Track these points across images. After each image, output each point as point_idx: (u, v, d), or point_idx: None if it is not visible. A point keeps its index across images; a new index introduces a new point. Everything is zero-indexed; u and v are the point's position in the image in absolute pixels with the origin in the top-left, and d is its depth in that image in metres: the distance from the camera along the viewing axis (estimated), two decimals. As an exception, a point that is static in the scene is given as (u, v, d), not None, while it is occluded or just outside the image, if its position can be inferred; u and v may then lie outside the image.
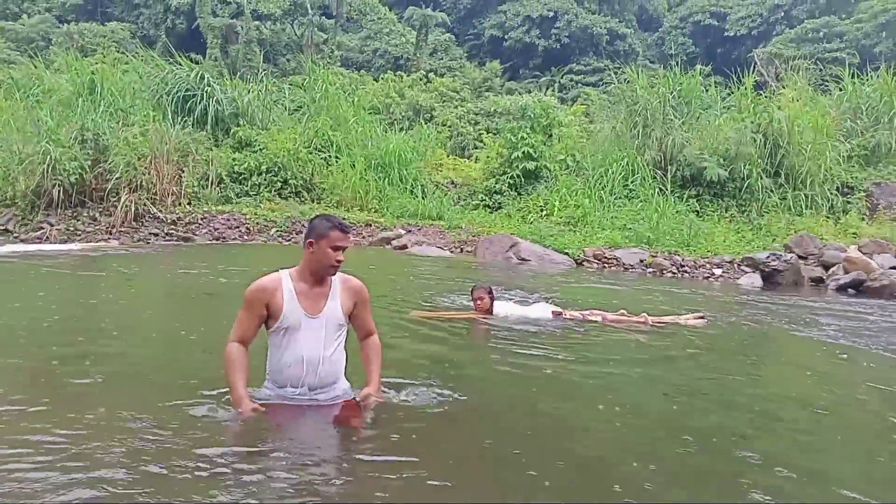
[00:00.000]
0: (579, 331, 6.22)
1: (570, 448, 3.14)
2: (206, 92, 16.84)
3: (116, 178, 13.33)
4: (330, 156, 16.34)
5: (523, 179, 16.31)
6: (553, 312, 6.49)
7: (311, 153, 16.08)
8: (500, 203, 16.33)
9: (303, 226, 14.19)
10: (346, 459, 2.81)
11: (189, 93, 16.80)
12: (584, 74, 36.23)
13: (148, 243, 12.70)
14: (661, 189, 15.63)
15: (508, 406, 3.80)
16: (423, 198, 16.31)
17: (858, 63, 22.62)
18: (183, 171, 14.68)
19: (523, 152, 16.18)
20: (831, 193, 15.78)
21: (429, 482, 2.54)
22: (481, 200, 16.63)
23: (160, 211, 13.71)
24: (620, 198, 15.77)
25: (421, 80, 29.77)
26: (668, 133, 16.36)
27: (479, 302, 6.42)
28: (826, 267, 12.30)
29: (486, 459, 2.91)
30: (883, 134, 16.67)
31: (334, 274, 3.09)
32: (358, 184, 15.77)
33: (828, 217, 15.30)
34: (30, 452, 2.55)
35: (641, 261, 12.85)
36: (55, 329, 5.10)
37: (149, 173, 13.84)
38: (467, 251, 13.59)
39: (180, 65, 17.52)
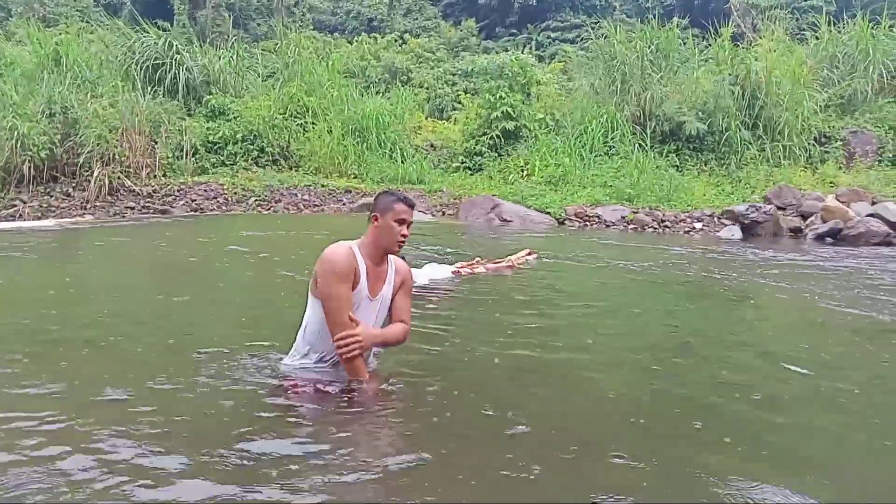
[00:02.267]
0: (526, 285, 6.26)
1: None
2: (176, 60, 16.41)
3: (88, 152, 13.05)
4: (306, 122, 16.09)
5: (503, 140, 16.19)
6: (452, 272, 6.45)
7: (286, 120, 15.82)
8: (480, 165, 16.22)
9: (281, 194, 14.05)
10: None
11: (158, 61, 16.37)
12: (561, 31, 35.72)
13: (124, 217, 12.51)
14: (640, 145, 15.61)
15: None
16: (402, 162, 16.15)
17: (835, 11, 22.47)
18: (156, 143, 14.40)
19: (502, 112, 16.02)
20: (809, 143, 15.86)
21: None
22: (461, 162, 16.50)
23: (135, 184, 13.48)
24: (600, 155, 15.74)
25: (396, 41, 29.21)
26: (647, 88, 16.28)
27: None
28: (804, 217, 12.44)
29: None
30: (859, 82, 16.70)
31: (400, 249, 3.01)
32: (336, 149, 15.57)
33: (805, 167, 15.42)
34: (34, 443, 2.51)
35: (623, 217, 12.92)
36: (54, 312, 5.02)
37: (121, 146, 13.56)
38: (449, 214, 13.55)
39: (147, 32, 17.02)
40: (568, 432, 2.70)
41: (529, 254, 7.37)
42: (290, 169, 15.28)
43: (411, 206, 3.01)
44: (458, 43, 33.32)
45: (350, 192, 14.46)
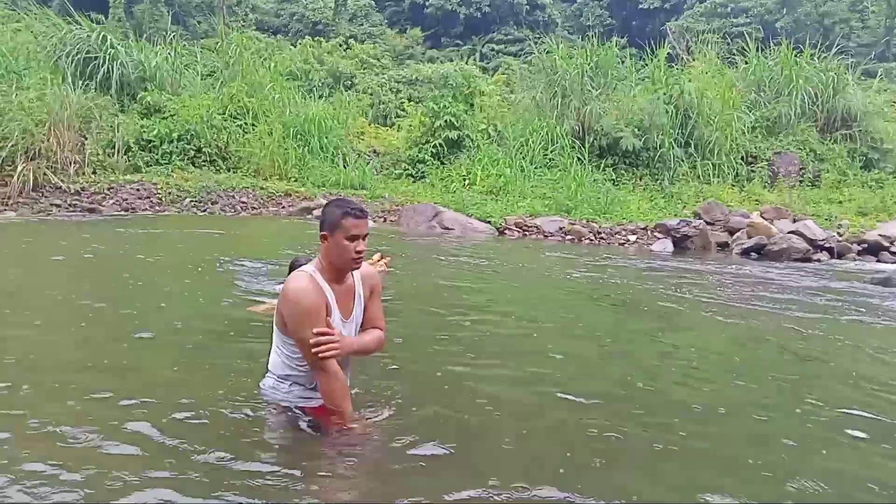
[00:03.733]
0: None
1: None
2: (110, 54, 15.81)
3: (11, 146, 12.40)
4: (246, 123, 15.76)
5: (446, 149, 16.28)
6: None
7: (225, 120, 15.45)
8: (423, 172, 16.27)
9: (219, 195, 13.71)
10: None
11: (91, 55, 15.72)
12: (504, 44, 36.31)
13: (49, 215, 11.94)
14: (579, 158, 16.00)
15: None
16: (344, 167, 16.03)
17: (763, 37, 23.66)
18: (86, 139, 13.81)
19: (446, 121, 16.13)
20: (737, 162, 16.61)
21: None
22: (404, 170, 16.51)
23: (62, 181, 12.87)
24: (541, 167, 16.04)
25: (340, 46, 29.04)
26: (586, 103, 16.72)
27: None
28: (731, 232, 12.99)
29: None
30: (784, 106, 17.61)
31: (358, 267, 2.73)
32: (276, 152, 15.30)
33: (733, 185, 16.12)
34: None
35: (561, 228, 13.18)
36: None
37: (48, 140, 12.93)
38: (391, 221, 13.52)
39: (80, 24, 16.34)
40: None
41: (382, 258, 6.56)
42: (229, 170, 14.92)
43: (362, 217, 2.66)
44: (404, 51, 33.42)
45: (290, 195, 14.24)
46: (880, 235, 12.60)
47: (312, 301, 2.59)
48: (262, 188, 14.21)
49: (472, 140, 16.64)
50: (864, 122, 17.36)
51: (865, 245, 12.37)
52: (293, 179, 15.23)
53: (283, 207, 13.72)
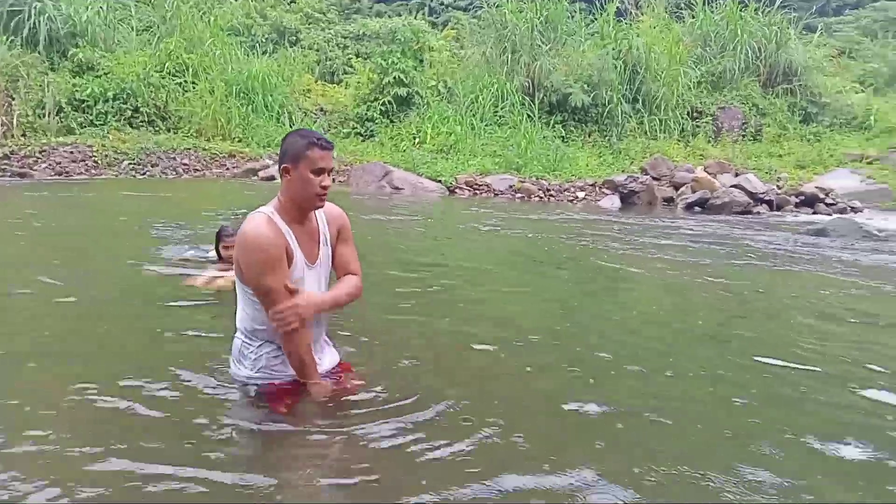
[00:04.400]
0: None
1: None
2: (36, 8, 14.91)
3: (-70, 107, 11.68)
4: (186, 81, 15.17)
5: (395, 106, 16.03)
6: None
7: (164, 78, 14.84)
8: (372, 131, 16.01)
9: (158, 157, 13.24)
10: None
11: (14, 8, 14.80)
12: (454, -2, 35.63)
13: (-24, 181, 11.36)
14: (529, 115, 15.96)
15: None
16: (290, 126, 15.64)
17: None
18: (13, 99, 13.11)
19: (394, 78, 15.83)
20: (682, 118, 16.84)
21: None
22: (353, 128, 16.22)
23: (-11, 144, 12.23)
24: (491, 124, 15.97)
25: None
26: (536, 59, 16.62)
27: (231, 250, 4.71)
28: (677, 187, 13.25)
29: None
30: (728, 61, 17.84)
31: (322, 205, 2.48)
32: (219, 111, 14.82)
33: (679, 140, 16.38)
34: None
35: (511, 186, 13.21)
36: None
37: (-30, 101, 12.23)
38: (339, 181, 13.30)
39: (0, -25, 15.32)
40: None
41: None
42: (169, 131, 14.41)
43: (329, 148, 2.43)
44: (350, 5, 32.43)
45: (234, 156, 13.86)
46: (816, 188, 13.04)
47: (271, 244, 2.34)
48: (204, 149, 13.79)
49: (421, 97, 16.41)
50: (805, 76, 17.74)
51: (803, 197, 12.78)
52: (237, 140, 14.82)
53: (228, 169, 13.37)
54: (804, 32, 21.05)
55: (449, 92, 16.95)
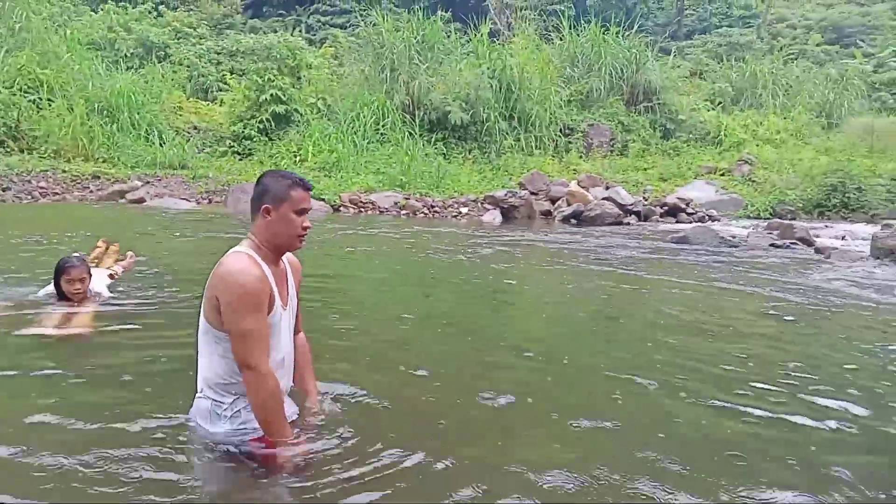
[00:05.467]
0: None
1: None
2: None
3: None
4: (41, 98, 14.04)
5: (273, 124, 15.67)
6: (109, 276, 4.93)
7: (14, 94, 13.65)
8: (250, 149, 15.54)
9: (11, 181, 12.13)
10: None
11: None
12: (331, 15, 35.41)
13: None
14: (410, 133, 16.14)
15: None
16: (161, 145, 14.87)
17: (574, 15, 25.19)
18: None
19: (271, 95, 15.50)
20: (556, 134, 17.67)
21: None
22: (229, 147, 15.67)
23: None
24: (373, 142, 15.98)
25: (150, 12, 26.65)
26: (414, 77, 16.86)
27: (78, 286, 4.12)
28: (553, 200, 13.84)
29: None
30: (594, 80, 18.95)
31: (301, 246, 2.45)
32: (79, 130, 13.83)
33: (554, 156, 17.16)
34: None
35: (395, 203, 13.25)
36: None
37: None
38: (216, 202, 12.80)
39: None
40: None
41: (108, 247, 5.72)
42: (22, 151, 13.25)
43: (309, 188, 2.45)
44: (222, 20, 31.46)
45: (98, 178, 12.96)
46: (678, 199, 14.08)
47: (260, 285, 2.26)
48: (63, 171, 12.80)
49: (301, 115, 16.16)
50: (663, 95, 19.19)
51: (666, 207, 13.76)
52: (101, 160, 13.88)
53: (91, 192, 12.48)
54: (660, 55, 22.83)
55: (329, 109, 16.82)
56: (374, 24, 18.62)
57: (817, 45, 37.92)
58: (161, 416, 2.64)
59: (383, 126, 16.23)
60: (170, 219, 10.28)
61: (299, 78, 17.25)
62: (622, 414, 2.96)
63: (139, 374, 3.19)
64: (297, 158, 15.14)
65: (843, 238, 10.76)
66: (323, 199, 13.02)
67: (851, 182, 14.16)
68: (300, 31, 29.94)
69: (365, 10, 22.23)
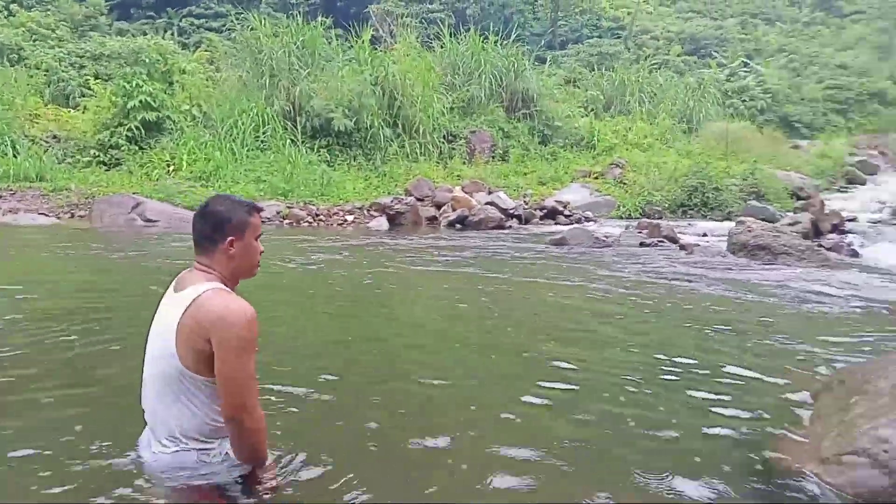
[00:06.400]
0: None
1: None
2: None
3: None
4: None
5: (144, 132, 14.80)
6: None
7: None
8: (118, 159, 14.59)
9: None
10: None
11: None
12: (205, 19, 34.05)
13: None
14: (292, 140, 15.79)
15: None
16: (14, 156, 13.66)
17: (455, 23, 25.69)
18: None
19: (141, 101, 14.63)
20: (439, 141, 17.90)
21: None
22: (94, 157, 14.63)
23: None
24: (253, 150, 15.49)
25: (0, 12, 24.47)
26: (296, 84, 16.53)
27: None
28: (438, 206, 14.00)
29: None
30: (475, 88, 19.38)
31: (257, 273, 2.36)
32: (-85, 141, 12.44)
33: (438, 162, 17.37)
34: None
35: (278, 213, 12.91)
36: None
37: None
38: (80, 216, 11.91)
39: None
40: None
41: None
42: None
43: (262, 211, 2.40)
44: (85, 21, 29.43)
45: (-59, 193, 11.71)
46: (556, 202, 14.68)
47: (256, 326, 2.11)
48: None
49: (174, 122, 15.38)
50: (540, 102, 19.94)
51: (546, 211, 14.30)
52: (-56, 173, 12.56)
53: (-68, 208, 11.26)
54: (536, 64, 23.76)
55: (205, 116, 16.12)
56: (252, 29, 18.08)
57: (678, 55, 40.96)
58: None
59: (263, 133, 15.77)
60: (25, 236, 9.47)
61: (172, 83, 16.43)
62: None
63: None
64: (171, 168, 14.40)
65: (703, 235, 11.64)
66: (200, 210, 12.46)
67: (710, 183, 15.34)
68: (172, 34, 28.62)
69: (241, 14, 21.57)
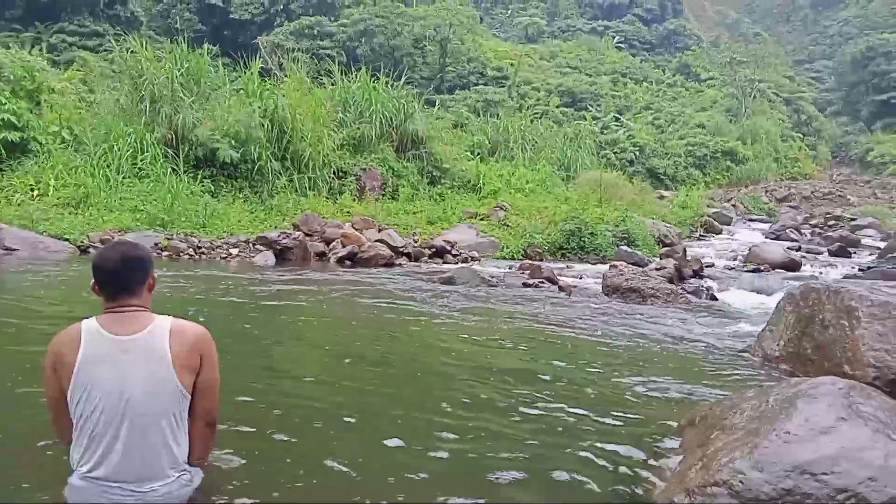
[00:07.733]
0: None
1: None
2: None
3: None
4: None
5: (5, 153, 13.69)
6: None
7: None
8: (-27, 181, 13.36)
9: None
10: None
11: None
12: (79, 36, 32.18)
13: None
14: (174, 169, 15.18)
15: None
16: None
17: (346, 62, 25.97)
18: None
19: (3, 120, 13.56)
20: (329, 177, 17.87)
21: None
22: (-56, 178, 13.31)
23: None
24: (129, 177, 14.73)
25: None
26: (179, 111, 15.97)
27: None
28: (328, 242, 13.90)
29: None
30: (366, 126, 19.60)
31: None
32: None
33: (328, 198, 17.31)
34: None
35: (156, 244, 12.29)
36: None
37: None
38: (-75, 242, 10.74)
39: None
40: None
41: None
42: None
43: None
44: (-64, 28, 26.96)
45: None
46: (444, 241, 15.00)
47: None
48: None
49: (40, 144, 14.35)
50: (429, 144, 20.46)
51: (434, 249, 14.57)
52: None
53: None
54: (425, 106, 24.41)
55: (76, 140, 15.16)
56: (132, 52, 17.33)
57: (557, 106, 43.55)
58: None
59: (142, 160, 15.05)
60: None
61: (39, 103, 15.37)
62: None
63: None
64: (36, 193, 13.37)
65: (580, 277, 12.34)
66: (67, 240, 11.65)
67: (586, 228, 16.30)
68: (41, 49, 26.80)
69: (120, 35, 20.64)
